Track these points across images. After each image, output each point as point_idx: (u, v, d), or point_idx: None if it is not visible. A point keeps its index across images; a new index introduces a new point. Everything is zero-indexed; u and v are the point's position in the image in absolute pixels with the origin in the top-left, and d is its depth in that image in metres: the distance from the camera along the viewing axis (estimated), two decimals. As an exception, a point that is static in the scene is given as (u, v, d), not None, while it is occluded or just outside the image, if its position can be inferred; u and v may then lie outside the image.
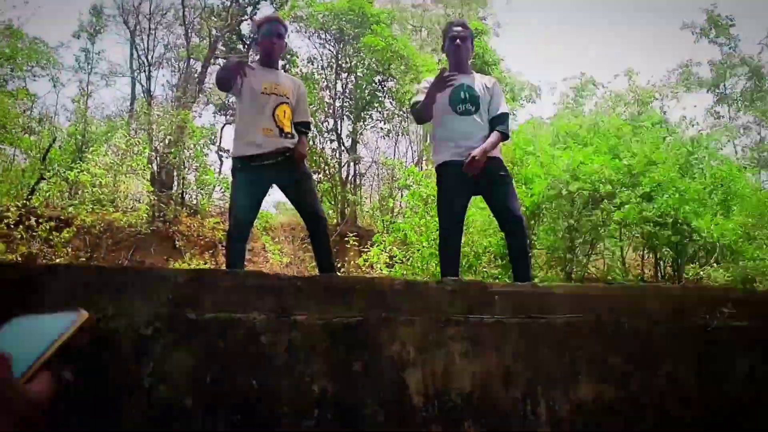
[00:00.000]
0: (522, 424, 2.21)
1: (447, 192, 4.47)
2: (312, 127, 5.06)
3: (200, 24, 23.00)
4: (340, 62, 19.35)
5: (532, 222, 10.51)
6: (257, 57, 5.06)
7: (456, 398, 2.21)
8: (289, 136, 4.51)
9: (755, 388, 2.35)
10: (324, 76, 19.54)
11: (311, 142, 16.69)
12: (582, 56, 47.48)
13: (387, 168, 19.78)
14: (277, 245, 15.19)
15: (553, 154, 10.45)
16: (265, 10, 24.08)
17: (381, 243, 11.85)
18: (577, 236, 10.64)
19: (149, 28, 21.82)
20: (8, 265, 2.17)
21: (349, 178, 19.57)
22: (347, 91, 19.53)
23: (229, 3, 23.58)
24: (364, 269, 11.98)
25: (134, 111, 20.40)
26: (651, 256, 11.48)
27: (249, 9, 24.08)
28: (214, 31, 22.47)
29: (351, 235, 13.67)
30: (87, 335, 1.22)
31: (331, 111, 18.95)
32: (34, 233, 12.34)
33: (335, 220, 16.78)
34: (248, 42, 24.58)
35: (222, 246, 14.66)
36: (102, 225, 13.86)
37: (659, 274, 11.14)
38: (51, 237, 12.40)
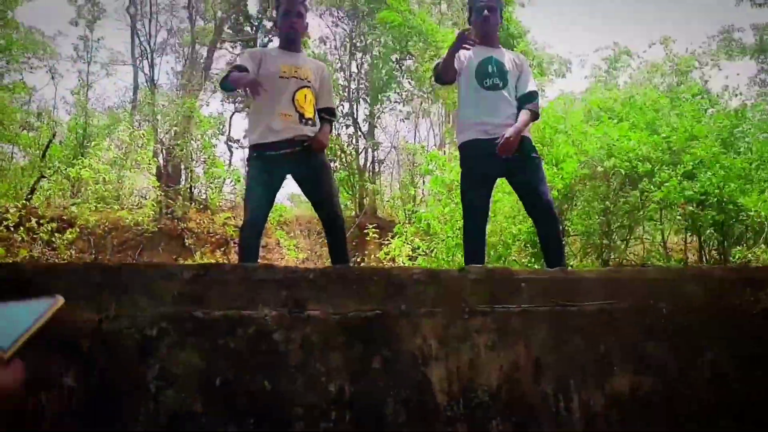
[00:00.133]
0: (554, 420, 2.20)
1: (471, 173, 4.42)
2: (336, 114, 4.96)
3: (205, 6, 23.07)
4: (354, 41, 19.31)
5: (565, 206, 10.40)
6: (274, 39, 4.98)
7: (483, 395, 2.21)
8: (310, 122, 4.44)
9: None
10: (337, 56, 19.52)
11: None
12: (614, 25, 46.87)
13: (407, 153, 19.74)
14: (293, 240, 15.22)
15: (585, 131, 10.33)
16: (273, -9, 24.13)
17: (403, 234, 11.82)
18: (613, 220, 10.53)
19: (150, 12, 21.90)
20: (7, 265, 2.20)
21: (367, 165, 19.54)
22: (363, 71, 19.50)
23: (234, -18, 23.66)
24: (385, 263, 11.95)
25: (137, 101, 20.51)
26: (694, 239, 11.33)
27: (256, -11, 24.15)
28: (219, 13, 22.54)
29: (371, 227, 13.62)
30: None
31: (346, 94, 18.91)
32: (36, 235, 12.45)
33: (353, 212, 16.79)
34: (256, 24, 24.65)
35: (234, 243, 14.74)
36: (106, 224, 13.96)
37: (704, 259, 10.99)
38: (53, 239, 12.52)
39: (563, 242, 4.75)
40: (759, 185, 9.92)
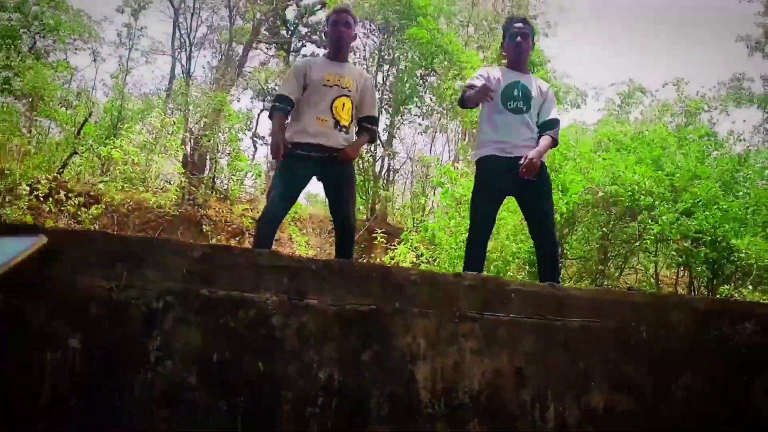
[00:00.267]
0: (529, 428, 2.20)
1: (484, 188, 4.44)
2: (378, 123, 4.97)
3: (245, 6, 23.19)
4: (382, 53, 19.34)
5: (566, 231, 10.40)
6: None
7: (464, 397, 2.21)
8: (344, 130, 4.46)
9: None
10: (365, 67, 19.57)
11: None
12: (631, 63, 46.83)
13: (422, 165, 19.74)
14: (305, 237, 15.28)
15: (593, 160, 10.33)
16: (312, -5, 24.26)
17: (409, 241, 11.82)
18: (610, 248, 10.52)
19: (193, 7, 22.00)
20: (27, 225, 2.23)
21: (383, 173, 19.56)
22: (387, 83, 19.51)
23: (275, -15, 23.78)
24: (390, 267, 11.94)
25: (172, 90, 20.62)
26: (686, 274, 11.30)
27: (296, -6, 24.27)
28: (258, 15, 22.64)
29: (379, 231, 13.63)
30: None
31: (369, 103, 18.89)
32: (63, 208, 12.54)
33: (365, 216, 16.79)
34: (292, 28, 24.77)
35: (249, 234, 14.79)
36: (131, 204, 14.05)
37: (693, 293, 10.94)
38: (79, 213, 12.60)
39: (560, 265, 4.76)
40: (753, 229, 9.88)
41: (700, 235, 9.52)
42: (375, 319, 2.24)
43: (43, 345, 2.03)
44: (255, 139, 23.45)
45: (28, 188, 12.24)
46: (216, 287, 2.19)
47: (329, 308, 2.23)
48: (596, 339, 2.27)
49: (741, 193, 10.54)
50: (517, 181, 4.31)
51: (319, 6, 24.09)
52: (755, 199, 10.30)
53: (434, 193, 16.62)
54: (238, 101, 22.42)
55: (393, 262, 11.81)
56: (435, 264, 10.63)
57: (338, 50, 4.67)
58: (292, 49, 24.26)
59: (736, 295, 9.79)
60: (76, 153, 15.26)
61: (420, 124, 20.19)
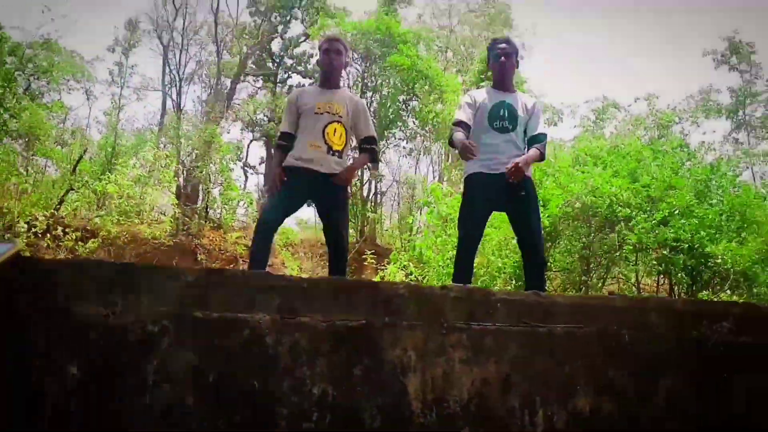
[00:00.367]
0: (520, 433, 2.19)
1: (470, 201, 4.47)
2: (377, 141, 5.00)
3: (232, 41, 23.32)
4: (365, 81, 19.48)
5: (549, 244, 10.42)
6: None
7: (454, 406, 2.20)
8: (337, 154, 4.48)
9: (755, 406, 2.32)
10: (350, 94, 19.67)
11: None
12: (603, 80, 47.37)
13: (408, 187, 19.81)
14: (297, 261, 15.26)
15: (572, 174, 10.39)
16: (296, 29, 24.45)
17: (398, 261, 11.83)
18: (592, 259, 10.55)
19: (182, 44, 22.15)
20: (27, 258, 2.21)
21: (370, 196, 19.63)
22: (372, 109, 19.63)
23: (260, 21, 23.94)
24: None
25: (163, 125, 20.67)
26: (666, 281, 11.33)
27: (280, 27, 24.44)
28: (245, 49, 22.78)
29: (369, 253, 13.65)
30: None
31: (354, 129, 18.99)
32: (61, 243, 12.50)
33: (354, 238, 16.80)
34: (278, 60, 24.89)
35: (243, 260, 14.77)
36: (126, 236, 14.01)
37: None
38: (77, 247, 12.55)
39: (545, 277, 4.76)
40: (727, 235, 9.93)
41: (678, 243, 9.56)
42: (365, 333, 2.23)
43: (42, 372, 2.01)
44: (245, 168, 23.51)
45: (26, 225, 12.19)
46: (210, 309, 2.18)
47: (320, 325, 2.22)
48: (580, 344, 2.27)
49: (715, 201, 10.60)
50: (504, 196, 4.34)
51: (303, 38, 24.28)
52: (728, 206, 10.36)
53: (421, 213, 16.66)
54: (228, 133, 22.53)
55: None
56: (424, 282, 10.63)
57: (329, 77, 4.70)
58: (278, 81, 24.40)
59: (715, 299, 9.81)
60: (72, 189, 15.22)
61: (404, 147, 20.35)
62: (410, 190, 19.74)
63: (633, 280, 11.53)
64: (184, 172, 17.85)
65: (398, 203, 21.51)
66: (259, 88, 24.97)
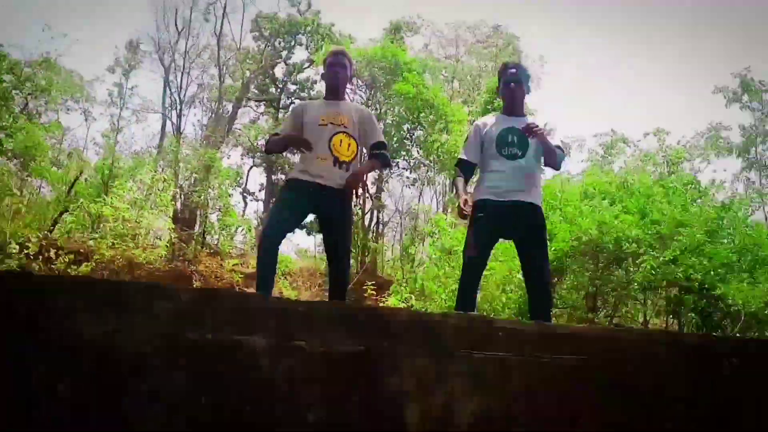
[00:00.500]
0: (521, 467, 2.18)
1: (476, 227, 4.49)
2: (387, 146, 5.10)
3: (235, 65, 23.54)
4: (370, 109, 19.61)
5: (555, 280, 10.42)
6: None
7: (454, 437, 2.19)
8: (344, 166, 4.51)
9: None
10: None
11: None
12: (612, 113, 47.69)
13: (410, 218, 19.85)
14: (295, 290, 15.23)
15: (579, 208, 10.43)
16: (300, 55, 24.71)
17: (399, 293, 11.82)
18: (599, 297, 10.54)
19: (183, 66, 22.36)
20: (20, 273, 2.23)
21: (371, 225, 19.66)
22: (375, 138, 19.72)
23: (264, 46, 24.20)
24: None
25: (162, 148, 20.79)
26: (675, 322, 11.30)
27: (284, 53, 24.70)
28: (248, 73, 22.99)
29: (369, 284, 13.63)
30: None
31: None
32: (53, 265, 12.50)
33: (354, 269, 16.80)
34: (281, 86, 25.11)
35: (239, 288, 14.74)
36: (121, 260, 14.00)
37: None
38: (69, 270, 12.55)
39: (551, 309, 4.76)
40: (739, 275, 9.92)
41: (688, 282, 9.55)
42: (363, 360, 2.23)
43: (32, 392, 2.01)
44: (245, 194, 23.59)
45: (17, 247, 12.20)
46: (204, 331, 2.18)
47: (317, 350, 2.22)
48: (584, 376, 2.26)
49: (726, 240, 10.62)
50: (511, 225, 4.39)
51: (307, 64, 24.52)
52: (740, 245, 10.38)
53: (423, 244, 16.67)
54: (228, 158, 22.69)
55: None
56: (425, 315, 10.58)
57: (334, 90, 4.79)
58: (281, 106, 24.60)
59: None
60: (67, 211, 15.26)
61: (408, 177, 20.40)
62: (413, 221, 19.78)
63: (641, 319, 11.51)
64: (182, 196, 17.93)
65: (400, 234, 21.54)
66: (261, 113, 25.22)
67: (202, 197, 17.38)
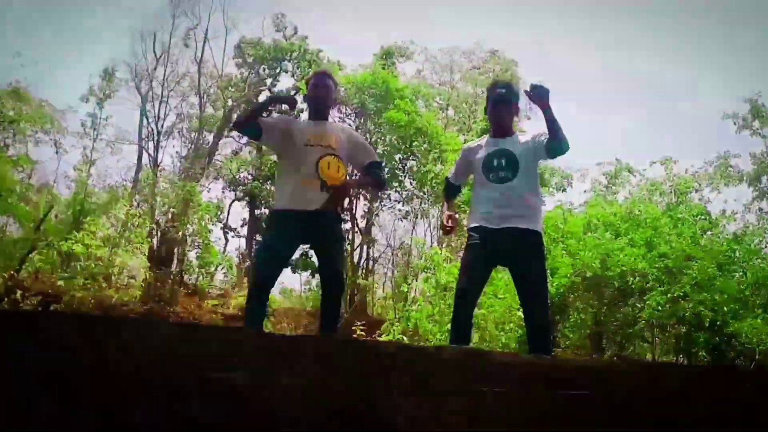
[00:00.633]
0: None
1: (469, 255, 4.54)
2: (382, 165, 5.19)
3: (216, 93, 23.66)
4: (359, 137, 19.71)
5: (557, 317, 10.42)
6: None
7: (449, 477, 2.19)
8: (332, 191, 4.58)
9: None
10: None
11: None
12: (616, 142, 48.11)
13: (403, 253, 19.84)
14: (279, 332, 15.15)
15: (583, 241, 10.48)
16: (286, 82, 24.87)
17: (391, 332, 11.78)
18: (604, 336, 10.55)
19: (162, 95, 22.47)
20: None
21: (361, 261, 19.64)
22: (365, 168, 19.79)
23: (247, 73, 24.37)
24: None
25: (138, 181, 20.79)
26: (685, 361, 11.29)
27: (268, 80, 24.85)
28: (230, 102, 23.11)
29: (359, 324, 13.58)
30: None
31: (346, 189, 19.12)
32: (19, 308, 12.44)
33: (342, 308, 16.74)
34: (265, 115, 25.22)
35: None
36: (93, 302, 13.97)
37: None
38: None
39: (550, 341, 4.77)
40: (752, 312, 9.94)
41: (698, 319, 9.56)
42: (352, 396, 2.23)
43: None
44: (226, 230, 23.54)
45: (-19, 289, 12.16)
46: (183, 367, 2.19)
47: (302, 387, 2.23)
48: (586, 410, 2.28)
49: (738, 274, 10.66)
50: (506, 253, 4.41)
51: (294, 91, 24.66)
52: (753, 279, 10.42)
53: (416, 281, 16.65)
54: (209, 191, 22.68)
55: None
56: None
57: (318, 110, 4.89)
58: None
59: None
60: (35, 249, 15.21)
61: (400, 210, 20.45)
62: (405, 256, 19.78)
63: (649, 358, 11.49)
64: (159, 232, 17.92)
65: (392, 270, 21.51)
66: (243, 144, 25.27)
67: (180, 233, 17.38)
